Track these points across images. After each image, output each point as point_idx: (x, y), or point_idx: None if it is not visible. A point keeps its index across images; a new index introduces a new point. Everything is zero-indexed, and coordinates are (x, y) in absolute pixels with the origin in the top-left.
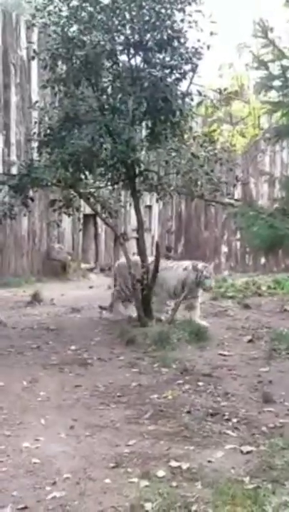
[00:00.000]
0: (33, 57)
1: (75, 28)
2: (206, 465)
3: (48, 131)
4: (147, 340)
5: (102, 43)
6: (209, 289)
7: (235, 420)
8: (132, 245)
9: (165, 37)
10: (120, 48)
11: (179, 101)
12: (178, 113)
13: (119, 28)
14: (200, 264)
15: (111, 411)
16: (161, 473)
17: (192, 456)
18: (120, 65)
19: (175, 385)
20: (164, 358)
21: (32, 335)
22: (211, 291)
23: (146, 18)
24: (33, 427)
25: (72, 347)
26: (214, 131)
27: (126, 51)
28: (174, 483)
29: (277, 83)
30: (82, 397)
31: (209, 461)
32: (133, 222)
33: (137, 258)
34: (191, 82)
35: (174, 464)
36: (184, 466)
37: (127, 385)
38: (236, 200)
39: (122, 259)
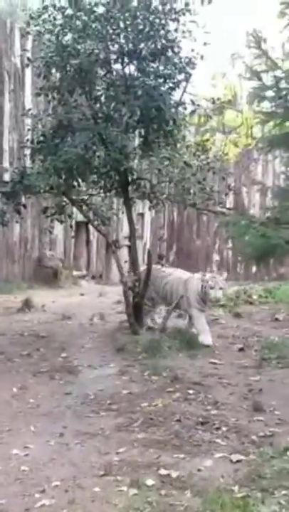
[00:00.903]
0: (27, 65)
1: (69, 36)
2: (195, 473)
3: (41, 138)
4: (138, 348)
5: (96, 51)
6: (215, 301)
7: (225, 429)
8: (124, 253)
9: (159, 46)
10: (114, 56)
11: (172, 110)
12: (171, 122)
13: (113, 37)
14: (208, 275)
15: (101, 419)
16: (150, 481)
17: (182, 464)
18: (114, 73)
19: (165, 393)
20: (154, 366)
21: (22, 342)
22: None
23: (141, 27)
24: (22, 434)
25: (63, 354)
26: (207, 140)
27: (120, 60)
28: (163, 492)
29: (270, 94)
30: (73, 404)
31: (199, 470)
32: (125, 229)
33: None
34: (184, 92)
35: (163, 472)
36: (174, 474)
37: (118, 393)
38: (228, 208)
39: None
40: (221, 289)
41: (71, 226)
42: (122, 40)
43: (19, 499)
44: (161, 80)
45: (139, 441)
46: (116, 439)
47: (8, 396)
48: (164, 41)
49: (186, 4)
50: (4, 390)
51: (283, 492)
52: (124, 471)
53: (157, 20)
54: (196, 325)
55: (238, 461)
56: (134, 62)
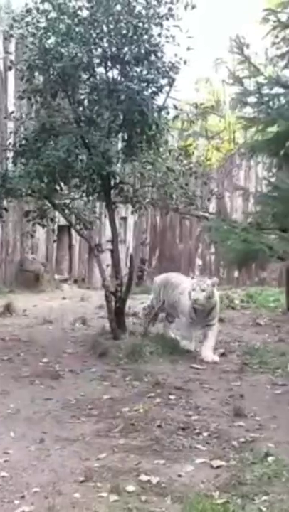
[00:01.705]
0: (10, 68)
1: (52, 39)
2: (175, 479)
3: (24, 141)
4: (120, 353)
5: (79, 55)
6: (194, 303)
7: (206, 434)
8: (107, 257)
9: (142, 51)
10: (97, 60)
11: (155, 114)
12: (154, 126)
13: (96, 40)
14: (196, 279)
15: (82, 424)
16: (130, 487)
17: (162, 470)
18: (97, 77)
19: (146, 399)
20: (136, 371)
21: (3, 346)
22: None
23: (124, 31)
24: (1, 439)
25: (44, 359)
26: (190, 145)
27: (103, 64)
28: (144, 498)
29: (252, 99)
30: (53, 409)
31: (179, 476)
32: (108, 233)
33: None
34: (167, 96)
35: (143, 478)
36: (154, 480)
37: (99, 398)
38: (211, 213)
39: (163, 275)
40: (202, 290)
41: (53, 230)
42: (106, 44)
43: None
44: (144, 85)
45: (119, 446)
46: (96, 444)
47: None
48: (147, 46)
49: (170, 9)
50: None
51: (264, 498)
52: (104, 477)
53: (141, 25)
54: (181, 331)
55: (218, 466)
56: (118, 66)
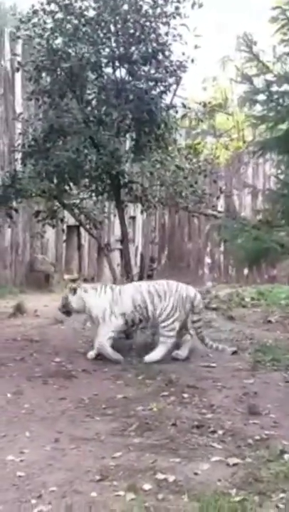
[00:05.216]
0: (18, 69)
1: (59, 40)
2: (192, 477)
3: (33, 142)
4: (132, 352)
5: (86, 55)
6: None
7: (220, 432)
8: (116, 256)
9: (150, 50)
10: (105, 60)
11: (164, 113)
12: (162, 125)
13: (104, 40)
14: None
15: (96, 423)
16: (147, 486)
17: (178, 468)
18: (105, 77)
19: (160, 397)
20: (148, 370)
21: (16, 346)
22: None
23: (131, 31)
24: (17, 439)
25: (57, 359)
26: (198, 143)
27: (111, 64)
28: (161, 496)
29: (261, 97)
30: (67, 409)
31: (195, 474)
32: (117, 232)
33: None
34: (174, 95)
35: (160, 476)
36: (170, 478)
37: (112, 397)
38: (220, 211)
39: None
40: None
41: (62, 230)
42: (113, 44)
43: (16, 505)
44: (152, 84)
45: (134, 445)
46: (111, 443)
47: (3, 401)
48: (154, 45)
49: (177, 8)
50: None
51: (281, 495)
52: (120, 475)
53: (148, 24)
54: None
55: (234, 464)
56: (125, 65)
